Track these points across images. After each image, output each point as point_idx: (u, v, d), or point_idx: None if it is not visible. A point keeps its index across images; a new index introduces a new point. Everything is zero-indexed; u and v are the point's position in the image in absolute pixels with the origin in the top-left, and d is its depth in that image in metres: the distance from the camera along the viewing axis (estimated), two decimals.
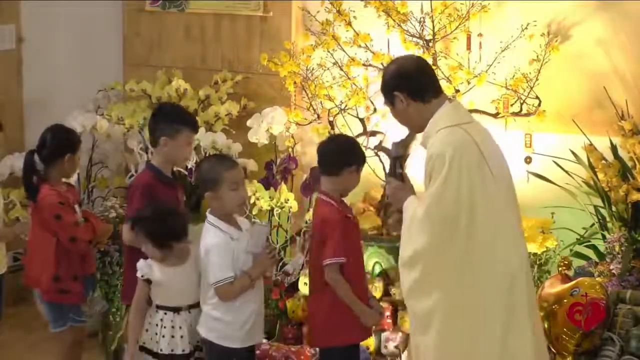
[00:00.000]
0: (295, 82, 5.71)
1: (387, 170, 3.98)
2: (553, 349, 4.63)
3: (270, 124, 5.66)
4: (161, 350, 4.09)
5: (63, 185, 4.63)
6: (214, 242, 4.02)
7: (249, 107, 6.03)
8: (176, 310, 4.11)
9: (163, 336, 4.09)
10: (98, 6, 6.46)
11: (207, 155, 5.64)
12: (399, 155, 4.14)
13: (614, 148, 5.15)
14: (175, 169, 4.69)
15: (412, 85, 3.81)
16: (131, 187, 4.47)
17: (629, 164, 5.09)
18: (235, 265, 4.01)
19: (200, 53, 6.32)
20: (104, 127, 5.87)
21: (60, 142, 4.57)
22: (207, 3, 6.25)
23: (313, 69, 5.69)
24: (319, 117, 5.74)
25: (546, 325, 4.59)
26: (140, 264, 4.12)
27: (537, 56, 5.30)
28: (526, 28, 5.28)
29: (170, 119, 4.42)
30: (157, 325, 4.11)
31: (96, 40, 6.52)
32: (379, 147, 5.57)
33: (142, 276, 4.11)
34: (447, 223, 3.66)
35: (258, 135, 5.67)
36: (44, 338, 5.53)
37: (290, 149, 5.78)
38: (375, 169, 5.63)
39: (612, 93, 5.22)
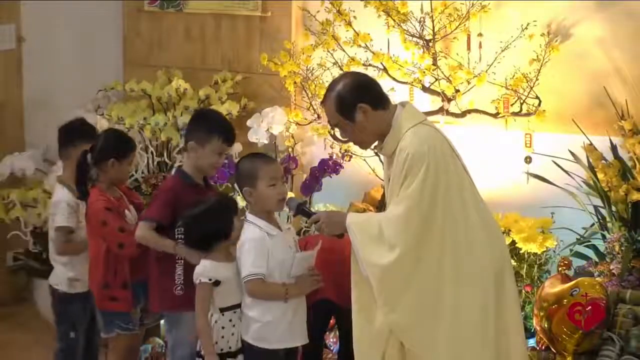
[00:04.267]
0: (295, 82, 5.71)
1: (304, 217, 4.00)
2: (553, 349, 4.64)
3: (270, 124, 5.66)
4: (230, 348, 4.07)
5: (117, 190, 4.55)
6: (250, 237, 3.98)
7: (249, 107, 6.03)
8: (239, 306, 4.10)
9: (232, 334, 4.07)
10: (98, 6, 6.46)
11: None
12: (301, 202, 4.13)
13: (614, 148, 5.14)
14: None
15: (373, 94, 3.82)
16: (158, 189, 4.47)
17: (629, 164, 5.09)
18: (269, 264, 3.96)
19: (200, 53, 6.32)
20: (104, 127, 5.87)
21: (104, 146, 4.50)
22: (205, 3, 6.25)
23: (313, 69, 5.69)
24: (319, 117, 5.75)
25: (546, 325, 4.60)
26: (203, 266, 4.04)
27: (537, 56, 5.30)
28: (526, 28, 5.28)
29: (203, 126, 4.34)
30: (223, 328, 4.06)
31: (96, 40, 6.52)
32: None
33: (209, 280, 4.01)
34: (426, 222, 3.67)
35: (258, 135, 5.68)
36: (44, 338, 5.55)
37: (290, 149, 5.78)
38: (375, 168, 5.64)
39: (612, 93, 5.21)
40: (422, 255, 3.68)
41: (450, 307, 3.70)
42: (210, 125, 4.33)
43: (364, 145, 4.01)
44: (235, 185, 4.29)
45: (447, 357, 3.73)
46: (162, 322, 4.86)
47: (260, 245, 3.97)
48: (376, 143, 3.93)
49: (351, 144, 5.55)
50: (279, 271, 3.99)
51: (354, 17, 5.54)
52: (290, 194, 4.47)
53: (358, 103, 3.77)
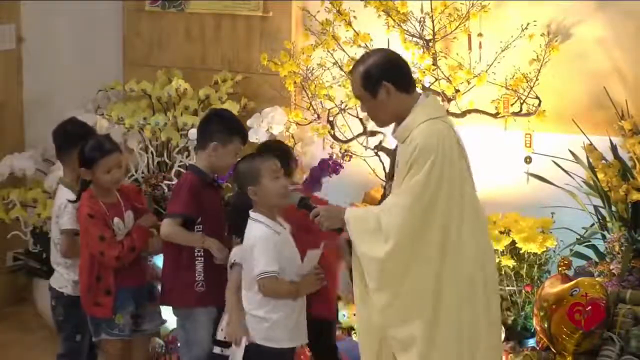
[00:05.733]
0: (295, 82, 5.71)
1: (307, 211, 4.05)
2: (553, 349, 4.64)
3: (270, 124, 5.66)
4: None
5: (115, 194, 4.47)
6: (259, 235, 4.01)
7: (249, 107, 6.04)
8: None
9: None
10: (98, 6, 6.46)
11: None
12: (303, 196, 4.14)
13: (614, 148, 5.15)
14: None
15: (400, 75, 3.84)
16: (176, 187, 4.46)
17: (629, 164, 5.10)
18: (281, 262, 3.99)
19: (200, 53, 6.32)
20: (104, 127, 5.87)
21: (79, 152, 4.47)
22: (206, 3, 6.25)
23: (313, 69, 5.69)
24: (319, 117, 5.75)
25: (546, 325, 4.60)
26: (238, 249, 4.15)
27: (537, 56, 5.30)
28: (526, 28, 5.29)
29: (226, 126, 4.39)
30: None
31: (96, 40, 6.52)
32: (379, 147, 5.57)
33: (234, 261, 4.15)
34: (426, 214, 3.68)
35: (258, 135, 5.67)
36: (44, 338, 5.55)
37: None
38: (375, 168, 5.64)
39: (612, 93, 5.22)
40: (419, 249, 3.69)
41: (442, 305, 3.73)
42: (232, 126, 4.43)
43: (379, 123, 4.03)
44: (236, 187, 4.31)
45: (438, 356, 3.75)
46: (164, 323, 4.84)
47: (271, 243, 4.00)
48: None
49: (351, 144, 5.62)
50: (289, 268, 4.03)
51: (354, 17, 5.54)
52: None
53: (383, 81, 3.78)
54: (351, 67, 4.02)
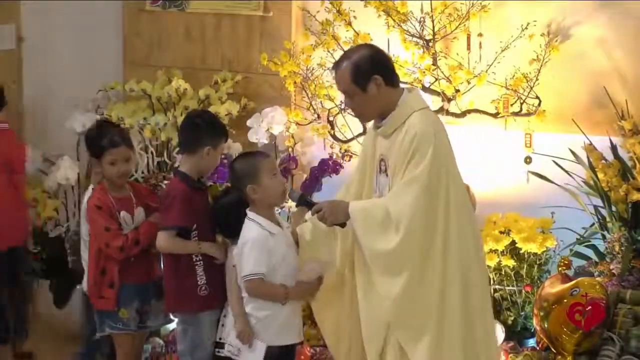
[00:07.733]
0: (295, 82, 5.71)
1: (306, 208, 4.08)
2: (553, 349, 4.64)
3: (270, 124, 5.66)
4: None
5: (126, 189, 4.51)
6: (252, 236, 4.02)
7: (249, 107, 6.03)
8: None
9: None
10: (98, 6, 6.45)
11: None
12: (303, 193, 4.21)
13: (614, 148, 5.14)
14: None
15: (388, 69, 3.91)
16: (168, 196, 4.38)
17: (629, 163, 5.09)
18: (272, 263, 4.01)
19: (200, 53, 6.32)
20: None
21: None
22: (207, 3, 6.24)
23: (313, 69, 5.69)
24: (319, 117, 5.75)
25: (546, 325, 4.60)
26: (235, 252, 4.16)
27: (537, 56, 5.30)
28: (526, 28, 5.28)
29: (215, 128, 4.42)
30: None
31: (96, 40, 6.52)
32: None
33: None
34: (433, 198, 3.74)
35: (258, 135, 5.67)
36: (44, 338, 5.54)
37: (290, 149, 5.78)
38: None
39: (612, 93, 5.21)
40: (428, 234, 3.74)
41: (448, 291, 3.76)
42: (220, 127, 4.47)
43: (364, 119, 4.14)
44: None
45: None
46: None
47: (263, 244, 4.01)
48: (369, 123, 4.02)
49: (351, 144, 5.61)
50: (281, 269, 4.03)
51: (354, 17, 5.54)
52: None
53: (373, 74, 3.82)
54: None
